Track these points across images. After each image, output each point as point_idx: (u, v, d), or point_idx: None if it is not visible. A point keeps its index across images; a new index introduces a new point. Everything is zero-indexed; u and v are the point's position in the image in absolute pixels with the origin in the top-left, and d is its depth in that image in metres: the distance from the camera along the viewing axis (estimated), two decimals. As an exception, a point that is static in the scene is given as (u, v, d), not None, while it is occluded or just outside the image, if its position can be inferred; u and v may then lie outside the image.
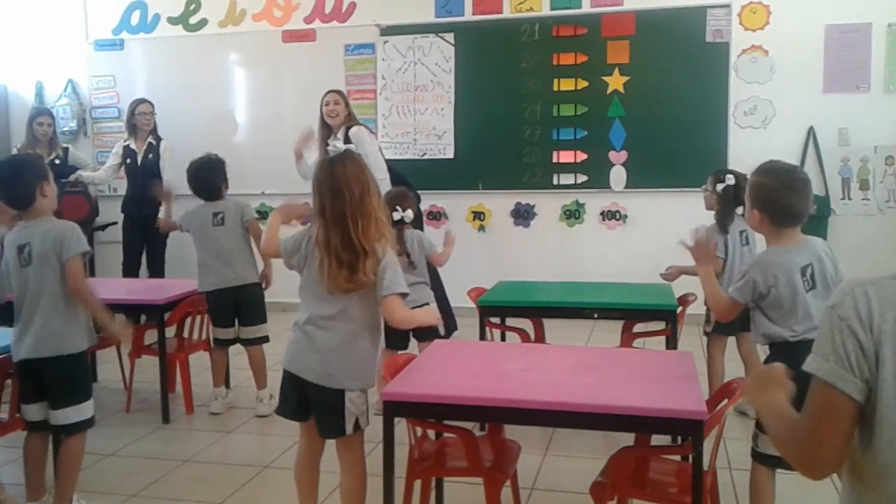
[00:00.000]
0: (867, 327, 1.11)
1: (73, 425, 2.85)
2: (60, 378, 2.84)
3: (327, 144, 5.33)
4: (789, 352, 2.43)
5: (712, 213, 4.04)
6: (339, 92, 5.43)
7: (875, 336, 1.11)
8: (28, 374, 2.86)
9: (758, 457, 2.57)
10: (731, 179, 3.93)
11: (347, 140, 5.29)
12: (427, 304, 3.98)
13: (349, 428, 2.48)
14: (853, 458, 1.16)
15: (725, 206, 3.95)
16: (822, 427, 1.14)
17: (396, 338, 3.84)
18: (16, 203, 2.87)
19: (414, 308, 3.65)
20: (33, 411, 2.88)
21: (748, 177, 3.93)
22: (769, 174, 2.53)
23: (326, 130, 5.38)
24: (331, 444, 2.61)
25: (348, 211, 2.42)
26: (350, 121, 5.35)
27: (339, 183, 2.44)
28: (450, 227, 4.62)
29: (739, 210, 3.98)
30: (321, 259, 2.45)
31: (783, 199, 2.45)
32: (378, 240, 2.44)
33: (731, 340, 4.05)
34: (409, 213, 3.93)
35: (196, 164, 4.27)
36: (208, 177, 4.21)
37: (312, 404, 2.53)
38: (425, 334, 3.89)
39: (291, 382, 2.55)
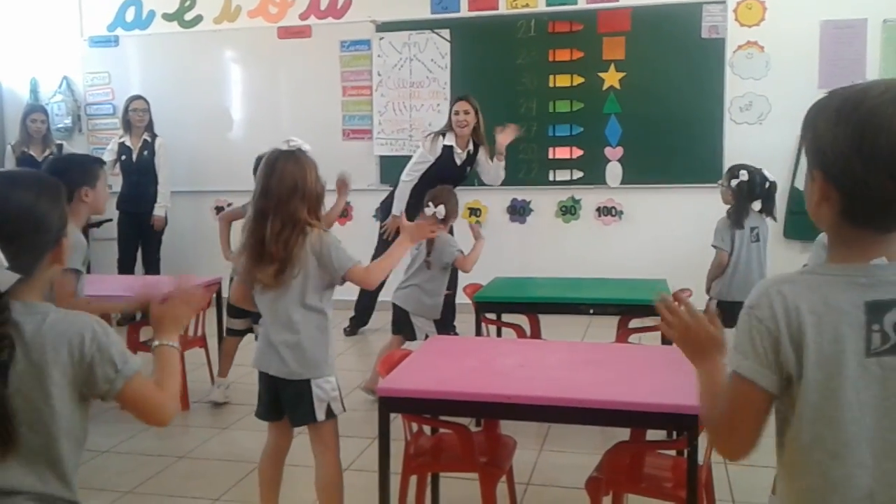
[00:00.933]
0: (783, 325, 1.17)
1: None
2: None
3: (444, 145, 5.16)
4: None
5: (727, 206, 4.09)
6: (469, 100, 5.17)
7: (795, 329, 1.16)
8: None
9: None
10: (744, 175, 3.98)
11: (474, 154, 5.25)
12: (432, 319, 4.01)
13: (320, 414, 2.48)
14: (782, 444, 1.24)
15: (740, 201, 4.00)
16: (739, 417, 1.23)
17: (402, 325, 3.93)
18: None
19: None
20: None
21: (762, 171, 4.00)
22: None
23: (450, 135, 5.19)
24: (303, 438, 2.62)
25: (270, 211, 2.43)
26: (478, 133, 5.20)
27: (269, 181, 2.45)
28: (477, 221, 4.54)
29: (756, 205, 4.02)
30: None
31: None
32: (296, 244, 2.42)
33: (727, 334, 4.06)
34: (441, 210, 3.93)
35: (263, 157, 4.25)
36: None
37: (281, 396, 2.54)
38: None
39: (263, 381, 2.58)
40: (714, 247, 4.04)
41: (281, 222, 2.41)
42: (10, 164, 6.19)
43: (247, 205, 4.24)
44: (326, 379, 2.51)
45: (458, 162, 5.21)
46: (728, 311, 4.38)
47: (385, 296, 4.82)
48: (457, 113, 5.14)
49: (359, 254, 2.60)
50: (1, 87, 7.35)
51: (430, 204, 3.95)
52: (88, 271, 6.14)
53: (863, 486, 1.15)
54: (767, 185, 4.03)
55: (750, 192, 3.99)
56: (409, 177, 5.23)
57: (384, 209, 5.46)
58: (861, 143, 1.11)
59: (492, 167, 5.28)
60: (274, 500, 2.66)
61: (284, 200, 2.42)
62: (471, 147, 5.24)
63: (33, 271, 1.45)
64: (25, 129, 6.18)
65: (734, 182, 4.00)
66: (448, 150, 5.15)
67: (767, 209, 4.06)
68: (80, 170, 2.88)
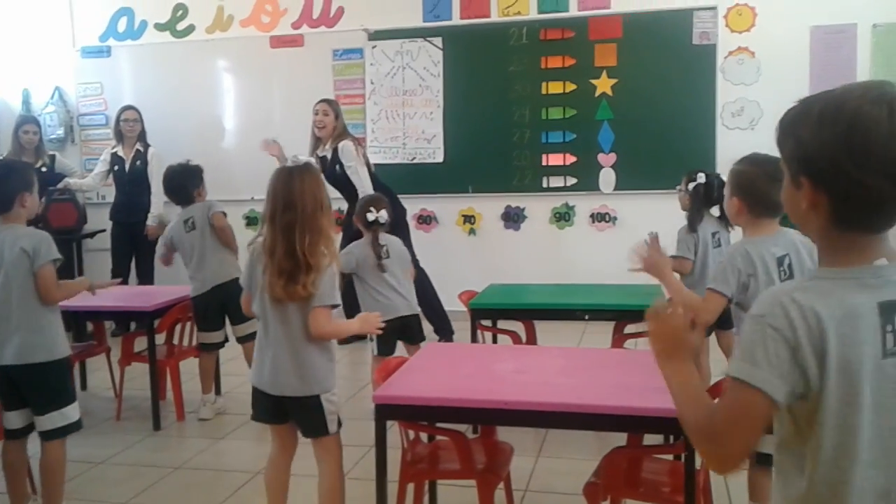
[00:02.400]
0: (803, 334, 1.14)
1: (60, 429, 2.83)
2: (46, 383, 2.81)
3: (317, 156, 5.33)
4: None
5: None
6: (329, 102, 5.34)
7: (817, 338, 1.14)
8: (6, 380, 2.80)
9: (756, 457, 2.55)
10: (701, 178, 3.93)
11: (335, 154, 5.29)
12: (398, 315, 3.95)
13: (332, 427, 2.53)
14: (787, 451, 1.22)
15: (696, 205, 3.94)
16: (742, 427, 1.19)
17: (383, 344, 3.84)
18: None
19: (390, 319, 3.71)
20: (14, 418, 2.84)
21: (719, 175, 3.97)
22: (751, 163, 2.55)
23: (316, 140, 5.34)
24: (304, 448, 2.62)
25: (297, 224, 2.44)
26: (340, 133, 5.28)
27: (293, 195, 2.46)
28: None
29: (715, 211, 3.98)
30: (265, 265, 2.49)
31: (763, 187, 2.45)
32: (325, 256, 2.46)
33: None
34: (384, 214, 3.94)
35: (171, 168, 4.34)
36: (180, 181, 4.28)
37: (290, 411, 2.56)
38: (415, 338, 3.94)
39: (263, 396, 2.59)
40: (674, 257, 3.82)
41: (309, 233, 2.44)
42: (2, 176, 6.17)
43: (170, 229, 4.26)
44: (333, 392, 2.55)
45: (324, 166, 5.24)
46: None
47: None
48: (316, 113, 5.26)
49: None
50: (-7, 98, 7.33)
51: (372, 209, 3.93)
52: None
53: (879, 486, 1.15)
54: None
55: (707, 196, 3.92)
56: None
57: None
58: (851, 146, 1.11)
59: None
60: None
61: (310, 214, 2.45)
62: (331, 147, 5.28)
63: None
64: (18, 141, 6.15)
65: (691, 186, 3.94)
66: (317, 156, 5.28)
67: (724, 216, 4.00)
68: (19, 176, 2.89)
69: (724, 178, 3.97)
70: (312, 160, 2.62)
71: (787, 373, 1.15)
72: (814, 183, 1.17)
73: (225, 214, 4.25)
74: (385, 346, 3.85)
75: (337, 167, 5.29)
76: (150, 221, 6.14)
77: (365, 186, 5.20)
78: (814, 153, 1.16)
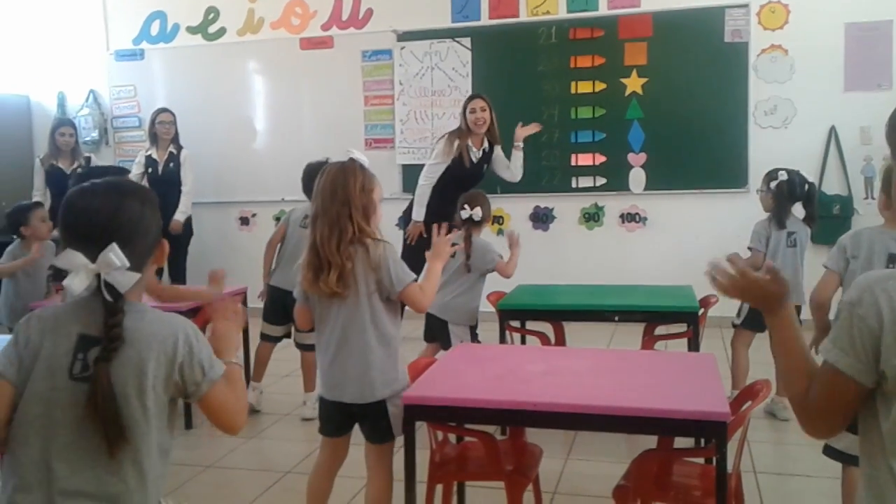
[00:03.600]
0: (889, 323, 1.17)
1: None
2: None
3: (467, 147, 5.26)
4: None
5: (767, 214, 4.03)
6: (484, 98, 5.33)
7: None
8: None
9: (837, 456, 2.48)
10: (783, 175, 3.93)
11: (489, 152, 5.31)
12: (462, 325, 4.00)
13: (397, 431, 2.45)
14: (874, 433, 1.25)
15: (780, 201, 3.94)
16: (833, 407, 1.27)
17: (438, 334, 3.98)
18: None
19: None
20: None
21: (800, 172, 3.96)
22: None
23: (467, 134, 5.26)
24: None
25: (319, 218, 2.44)
26: (492, 132, 5.28)
27: (321, 189, 2.46)
28: (512, 229, 4.35)
29: (797, 210, 3.96)
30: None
31: None
32: (347, 250, 2.39)
33: (759, 339, 3.99)
34: (478, 211, 3.98)
35: (310, 165, 4.26)
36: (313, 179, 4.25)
37: (358, 418, 2.50)
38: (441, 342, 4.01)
39: (333, 405, 2.52)
40: (750, 248, 3.98)
41: (328, 227, 2.41)
42: (39, 177, 6.30)
43: (290, 214, 4.30)
44: (400, 395, 2.44)
45: (474, 160, 5.25)
46: (758, 315, 4.29)
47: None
48: (472, 111, 5.20)
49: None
50: (29, 101, 7.48)
51: (466, 206, 3.98)
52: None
53: None
54: (807, 186, 3.97)
55: (790, 192, 3.92)
56: (427, 180, 5.31)
57: (406, 218, 5.49)
58: None
59: (510, 162, 5.36)
60: None
61: (328, 205, 2.43)
62: (486, 145, 5.28)
63: (139, 273, 1.51)
64: (54, 143, 6.28)
65: (773, 183, 3.94)
66: (464, 149, 5.21)
67: (809, 214, 3.99)
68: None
69: (804, 175, 3.99)
70: (363, 156, 2.53)
71: (871, 359, 1.19)
72: None
73: None
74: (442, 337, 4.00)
75: (485, 166, 5.33)
76: (177, 216, 6.21)
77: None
78: None
